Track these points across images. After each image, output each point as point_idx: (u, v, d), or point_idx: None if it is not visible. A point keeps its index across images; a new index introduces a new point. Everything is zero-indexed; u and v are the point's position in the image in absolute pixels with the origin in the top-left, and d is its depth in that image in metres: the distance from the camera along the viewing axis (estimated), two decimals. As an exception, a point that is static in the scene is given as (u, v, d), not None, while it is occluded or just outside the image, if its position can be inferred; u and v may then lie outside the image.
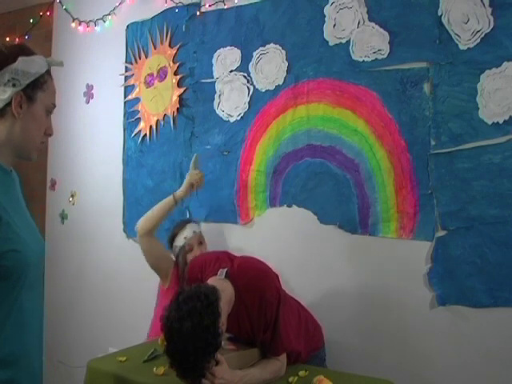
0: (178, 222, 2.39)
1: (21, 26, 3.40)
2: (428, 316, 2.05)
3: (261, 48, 2.48)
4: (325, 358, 2.10)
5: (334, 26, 2.28)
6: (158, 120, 2.82)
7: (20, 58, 1.21)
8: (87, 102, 3.17)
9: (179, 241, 2.30)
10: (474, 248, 1.97)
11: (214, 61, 2.63)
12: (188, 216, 2.64)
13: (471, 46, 1.98)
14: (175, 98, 2.74)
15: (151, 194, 2.79)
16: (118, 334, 2.91)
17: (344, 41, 2.26)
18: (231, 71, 2.57)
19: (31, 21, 3.33)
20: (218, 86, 2.61)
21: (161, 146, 2.81)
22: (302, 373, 1.78)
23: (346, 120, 2.25)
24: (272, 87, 2.44)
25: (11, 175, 1.30)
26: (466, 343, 1.98)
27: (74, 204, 3.22)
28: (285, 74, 2.40)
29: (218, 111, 2.61)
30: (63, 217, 3.26)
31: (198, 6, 2.68)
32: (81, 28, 3.15)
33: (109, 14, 3.03)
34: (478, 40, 1.96)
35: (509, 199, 1.91)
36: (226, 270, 1.78)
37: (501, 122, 1.93)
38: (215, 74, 2.62)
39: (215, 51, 2.62)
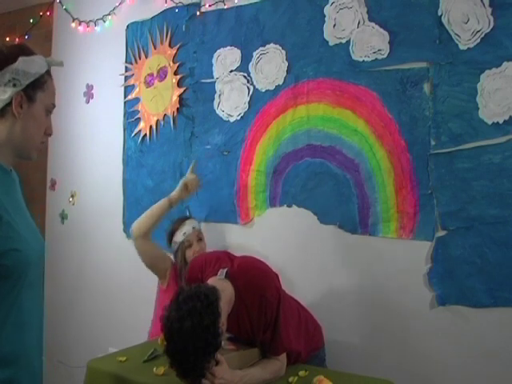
0: (177, 219, 2.39)
1: (21, 25, 3.40)
2: (428, 316, 2.05)
3: (261, 48, 2.48)
4: (325, 358, 2.10)
5: (334, 26, 2.28)
6: (158, 120, 2.82)
7: (20, 58, 1.22)
8: (87, 101, 3.17)
9: (178, 236, 2.30)
10: (474, 248, 1.97)
11: (213, 61, 2.63)
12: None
13: (471, 46, 1.98)
14: (175, 97, 2.74)
15: (151, 194, 2.79)
16: (118, 334, 2.91)
17: (344, 41, 2.26)
18: (231, 71, 2.57)
19: (31, 21, 3.33)
20: (217, 86, 2.61)
21: (161, 146, 2.81)
22: (302, 373, 1.78)
23: (346, 120, 2.25)
24: (272, 87, 2.44)
25: (11, 175, 1.30)
26: (465, 343, 1.98)
27: (73, 204, 3.22)
28: (285, 73, 2.40)
29: (217, 111, 2.61)
30: (63, 217, 3.26)
31: (198, 5, 2.68)
32: (81, 28, 3.15)
33: (109, 14, 3.03)
34: (478, 40, 1.96)
35: (509, 199, 1.91)
36: (226, 270, 1.78)
37: (501, 122, 1.93)
38: (215, 74, 2.62)
39: (215, 51, 2.62)
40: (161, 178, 2.80)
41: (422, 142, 2.08)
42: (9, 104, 1.21)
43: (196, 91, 2.69)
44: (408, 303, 2.10)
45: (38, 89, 1.25)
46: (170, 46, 2.78)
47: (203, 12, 2.66)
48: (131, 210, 2.91)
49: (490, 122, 1.95)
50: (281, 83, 2.41)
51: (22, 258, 1.19)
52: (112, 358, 1.91)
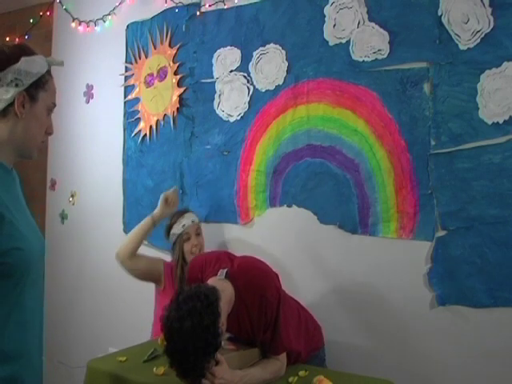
0: (176, 212, 2.38)
1: (21, 25, 3.40)
2: (428, 316, 2.05)
3: (261, 48, 2.48)
4: (325, 358, 2.10)
5: (334, 26, 2.28)
6: (157, 120, 2.82)
7: (22, 59, 1.22)
8: (87, 101, 3.17)
9: (177, 228, 2.29)
10: (474, 248, 1.97)
11: (213, 61, 2.63)
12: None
13: (471, 46, 1.98)
14: (175, 97, 2.74)
15: (151, 194, 2.79)
16: (118, 334, 2.91)
17: (344, 41, 2.26)
18: (231, 71, 2.57)
19: (31, 21, 3.33)
20: (217, 86, 2.61)
21: (161, 146, 2.81)
22: (302, 373, 1.78)
23: (346, 120, 2.25)
24: (272, 87, 2.44)
25: (12, 174, 1.31)
26: (465, 343, 1.98)
27: (73, 204, 3.22)
28: (285, 73, 2.40)
29: (217, 111, 2.61)
30: (63, 217, 3.26)
31: (198, 5, 2.68)
32: (81, 28, 3.15)
33: (109, 14, 3.03)
34: (478, 40, 1.96)
35: (509, 199, 1.92)
36: (226, 270, 1.78)
37: (501, 122, 1.93)
38: (215, 74, 2.62)
39: (215, 51, 2.62)
40: (161, 178, 2.80)
41: (421, 142, 2.08)
42: (11, 104, 1.22)
43: (196, 91, 2.69)
44: (408, 303, 2.10)
45: (39, 88, 1.25)
46: (169, 45, 2.78)
47: (203, 12, 2.66)
48: (131, 209, 2.91)
49: (489, 122, 1.95)
50: (281, 83, 2.41)
51: (25, 257, 1.19)
52: (112, 358, 1.91)
